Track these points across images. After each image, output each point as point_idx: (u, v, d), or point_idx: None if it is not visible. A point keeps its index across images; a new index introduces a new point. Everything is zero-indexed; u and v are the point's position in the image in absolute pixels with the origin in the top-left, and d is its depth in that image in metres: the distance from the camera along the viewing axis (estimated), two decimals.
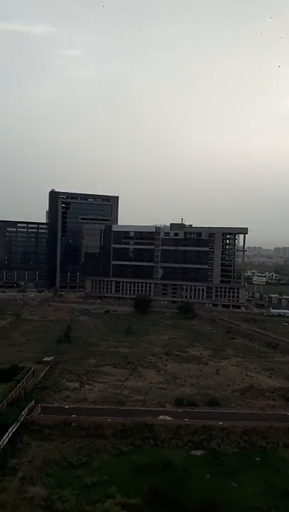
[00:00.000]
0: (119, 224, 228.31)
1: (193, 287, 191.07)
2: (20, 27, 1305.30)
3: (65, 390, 73.75)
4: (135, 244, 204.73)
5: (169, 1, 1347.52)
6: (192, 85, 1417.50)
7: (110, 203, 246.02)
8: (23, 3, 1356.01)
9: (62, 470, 49.06)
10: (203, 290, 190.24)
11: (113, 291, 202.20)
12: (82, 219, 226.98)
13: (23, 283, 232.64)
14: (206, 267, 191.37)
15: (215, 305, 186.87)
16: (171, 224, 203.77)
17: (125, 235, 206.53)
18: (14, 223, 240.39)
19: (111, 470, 49.57)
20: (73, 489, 44.84)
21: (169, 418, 62.85)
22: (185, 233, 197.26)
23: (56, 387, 75.30)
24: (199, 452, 55.40)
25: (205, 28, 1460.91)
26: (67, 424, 59.71)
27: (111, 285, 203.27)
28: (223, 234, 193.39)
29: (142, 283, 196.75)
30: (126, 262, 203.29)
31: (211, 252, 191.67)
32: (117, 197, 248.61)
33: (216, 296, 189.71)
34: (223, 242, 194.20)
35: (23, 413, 60.57)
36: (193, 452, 55.38)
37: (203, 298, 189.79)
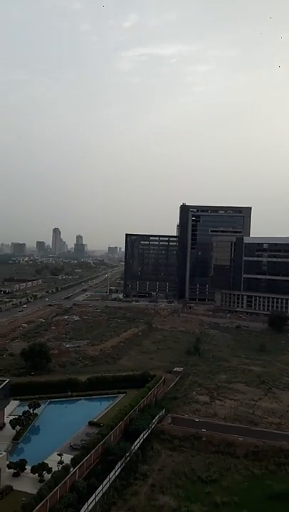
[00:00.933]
0: (251, 236, 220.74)
1: None
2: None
3: (195, 403, 72.72)
4: (269, 256, 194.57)
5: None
6: None
7: (242, 214, 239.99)
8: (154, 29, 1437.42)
9: (191, 484, 47.96)
10: None
11: (244, 306, 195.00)
12: (211, 231, 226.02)
13: (155, 293, 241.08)
14: None
15: None
16: None
17: (258, 247, 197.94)
18: (147, 236, 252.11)
19: (242, 492, 46.67)
20: (202, 505, 43.44)
21: None
22: None
23: (186, 399, 74.75)
24: None
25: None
26: (197, 437, 58.60)
27: (242, 299, 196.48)
28: None
29: (278, 298, 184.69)
30: (259, 276, 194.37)
31: None
32: (250, 208, 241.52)
33: None
34: None
35: (154, 421, 61.47)
36: None
37: None
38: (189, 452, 55.59)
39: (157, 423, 61.91)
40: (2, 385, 60.51)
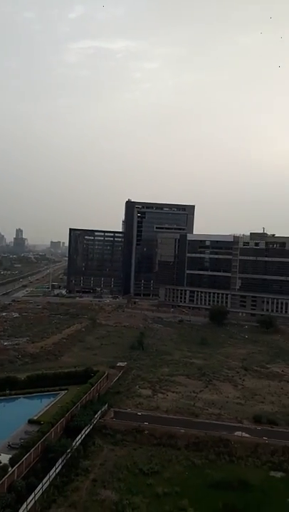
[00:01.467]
0: (194, 233, 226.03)
1: (275, 300, 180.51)
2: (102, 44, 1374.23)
3: (137, 397, 72.94)
4: (211, 253, 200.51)
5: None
6: (274, 91, 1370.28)
7: (186, 212, 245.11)
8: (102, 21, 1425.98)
9: (133, 476, 47.96)
10: (286, 304, 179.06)
11: (187, 301, 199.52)
12: (157, 228, 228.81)
13: (99, 289, 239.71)
14: None
15: None
16: (251, 233, 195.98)
17: (201, 244, 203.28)
18: (92, 232, 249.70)
19: (183, 482, 47.42)
20: (144, 497, 43.53)
21: (246, 435, 59.05)
22: (267, 243, 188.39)
23: (129, 393, 74.78)
24: (279, 474, 51.06)
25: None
26: (139, 431, 58.72)
27: (185, 294, 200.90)
28: None
29: (218, 293, 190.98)
30: (201, 272, 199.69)
31: None
32: (193, 206, 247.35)
33: None
34: None
35: (96, 416, 60.75)
36: (273, 473, 51.18)
37: (286, 312, 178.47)
38: (131, 446, 55.59)
39: (99, 418, 61.29)
40: None
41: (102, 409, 64.11)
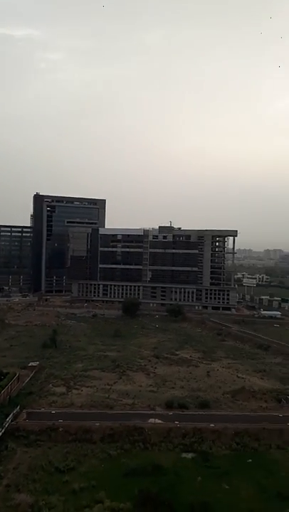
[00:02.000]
0: (106, 227, 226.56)
1: (182, 290, 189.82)
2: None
3: (51, 395, 71.83)
4: (123, 247, 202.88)
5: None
6: (184, 88, 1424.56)
7: (97, 206, 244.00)
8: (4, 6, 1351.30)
9: (49, 476, 47.39)
10: (193, 293, 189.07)
11: (101, 295, 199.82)
12: (68, 222, 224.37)
13: (7, 287, 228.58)
14: (196, 269, 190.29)
15: (205, 307, 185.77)
16: (159, 227, 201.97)
17: (113, 238, 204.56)
18: None
19: (100, 475, 48.07)
20: (60, 495, 43.36)
21: (159, 421, 61.47)
22: (174, 236, 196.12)
23: (42, 393, 73.31)
24: (190, 455, 54.19)
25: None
26: (53, 429, 58.00)
27: (98, 289, 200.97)
28: (213, 236, 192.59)
29: (131, 286, 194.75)
30: (114, 266, 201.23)
31: (201, 254, 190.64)
32: (104, 200, 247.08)
33: (206, 298, 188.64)
34: (212, 244, 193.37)
35: (7, 419, 58.65)
36: (184, 455, 54.15)
37: (193, 300, 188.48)
38: (46, 445, 54.75)
39: (11, 421, 59.20)
40: None
41: (14, 411, 62.04)
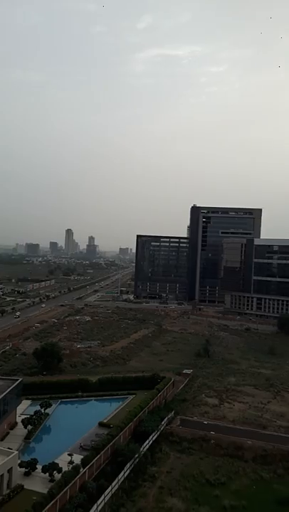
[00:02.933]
0: (262, 238, 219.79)
1: None
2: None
3: (204, 406, 72.93)
4: (280, 258, 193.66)
5: None
6: None
7: (253, 216, 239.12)
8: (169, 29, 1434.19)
9: (200, 486, 48.28)
10: None
11: (254, 308, 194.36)
12: (222, 233, 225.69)
13: (165, 295, 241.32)
14: None
15: None
16: None
17: (268, 249, 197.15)
18: (157, 238, 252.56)
19: (251, 496, 46.88)
20: (211, 508, 43.70)
21: None
22: None
23: (195, 401, 75.00)
24: None
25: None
26: (205, 440, 58.87)
27: (252, 301, 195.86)
28: None
29: (288, 301, 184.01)
30: (269, 278, 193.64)
31: None
32: (260, 210, 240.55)
33: None
34: None
35: (163, 423, 61.89)
36: None
37: None
38: (198, 455, 55.89)
39: (166, 425, 62.33)
40: (14, 385, 61.44)
41: (169, 416, 65.11)
